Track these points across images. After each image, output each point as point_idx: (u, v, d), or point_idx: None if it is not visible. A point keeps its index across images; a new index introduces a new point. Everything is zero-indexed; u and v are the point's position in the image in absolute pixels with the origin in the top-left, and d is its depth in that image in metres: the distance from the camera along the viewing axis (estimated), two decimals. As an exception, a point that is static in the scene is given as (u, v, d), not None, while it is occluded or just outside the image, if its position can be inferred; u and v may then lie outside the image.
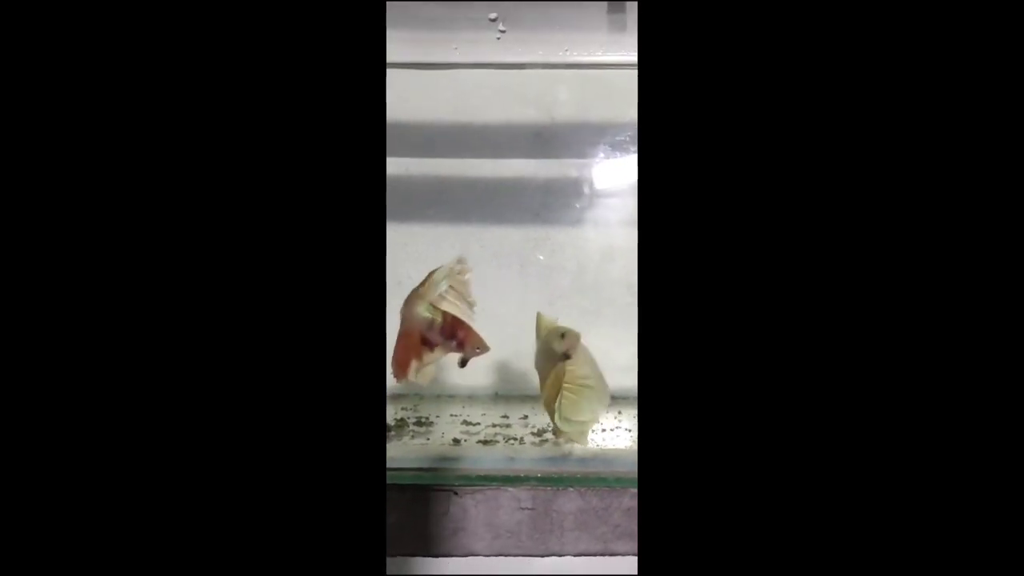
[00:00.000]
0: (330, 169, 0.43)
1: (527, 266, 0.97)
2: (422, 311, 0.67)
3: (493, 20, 0.81)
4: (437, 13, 0.79)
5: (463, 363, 0.70)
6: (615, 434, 0.80)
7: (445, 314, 0.67)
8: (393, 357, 0.68)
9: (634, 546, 0.71)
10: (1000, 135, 0.42)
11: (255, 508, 0.42)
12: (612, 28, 0.83)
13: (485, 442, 0.76)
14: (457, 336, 0.68)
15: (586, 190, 0.96)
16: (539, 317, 0.74)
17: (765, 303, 0.42)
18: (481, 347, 0.69)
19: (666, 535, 0.42)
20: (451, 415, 0.85)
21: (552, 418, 0.69)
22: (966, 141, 0.42)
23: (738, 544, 0.42)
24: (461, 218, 0.98)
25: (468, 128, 0.96)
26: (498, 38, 0.82)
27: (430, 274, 0.68)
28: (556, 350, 0.69)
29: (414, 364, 0.68)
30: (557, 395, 0.69)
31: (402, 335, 0.68)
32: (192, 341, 0.42)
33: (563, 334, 0.69)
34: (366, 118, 0.44)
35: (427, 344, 0.68)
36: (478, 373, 0.96)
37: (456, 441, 0.76)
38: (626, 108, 0.91)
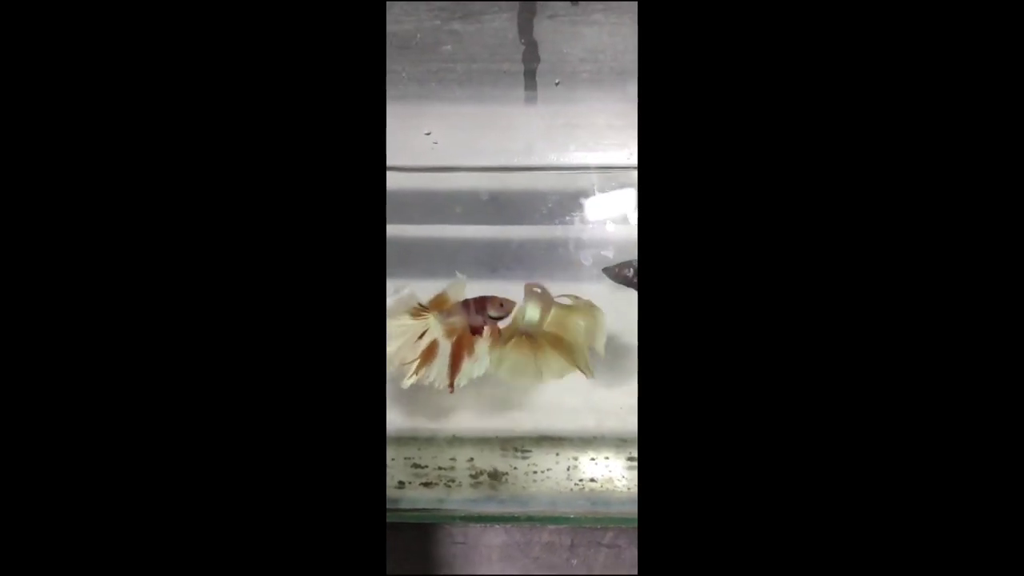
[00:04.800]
0: (329, 172, 0.45)
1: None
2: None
3: (428, 135, 0.93)
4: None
5: (498, 319, 0.74)
6: (545, 475, 0.90)
7: (465, 301, 0.74)
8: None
9: (552, 577, 0.81)
10: (1000, 135, 0.42)
11: (248, 524, 0.44)
12: (527, 101, 0.95)
13: (427, 484, 0.87)
14: (486, 308, 0.75)
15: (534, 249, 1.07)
16: None
17: (771, 338, 0.44)
18: (505, 304, 0.74)
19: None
20: (405, 458, 0.95)
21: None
22: (966, 146, 0.42)
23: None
24: (427, 274, 1.09)
25: (428, 195, 1.07)
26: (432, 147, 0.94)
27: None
28: (532, 319, 0.71)
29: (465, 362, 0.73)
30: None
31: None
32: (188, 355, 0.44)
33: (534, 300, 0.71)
34: (366, 119, 0.46)
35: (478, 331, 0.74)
36: (452, 418, 1.07)
37: (401, 484, 0.87)
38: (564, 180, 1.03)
